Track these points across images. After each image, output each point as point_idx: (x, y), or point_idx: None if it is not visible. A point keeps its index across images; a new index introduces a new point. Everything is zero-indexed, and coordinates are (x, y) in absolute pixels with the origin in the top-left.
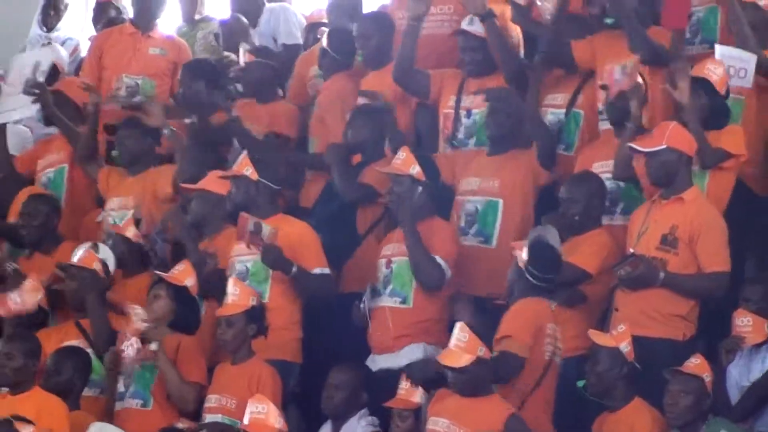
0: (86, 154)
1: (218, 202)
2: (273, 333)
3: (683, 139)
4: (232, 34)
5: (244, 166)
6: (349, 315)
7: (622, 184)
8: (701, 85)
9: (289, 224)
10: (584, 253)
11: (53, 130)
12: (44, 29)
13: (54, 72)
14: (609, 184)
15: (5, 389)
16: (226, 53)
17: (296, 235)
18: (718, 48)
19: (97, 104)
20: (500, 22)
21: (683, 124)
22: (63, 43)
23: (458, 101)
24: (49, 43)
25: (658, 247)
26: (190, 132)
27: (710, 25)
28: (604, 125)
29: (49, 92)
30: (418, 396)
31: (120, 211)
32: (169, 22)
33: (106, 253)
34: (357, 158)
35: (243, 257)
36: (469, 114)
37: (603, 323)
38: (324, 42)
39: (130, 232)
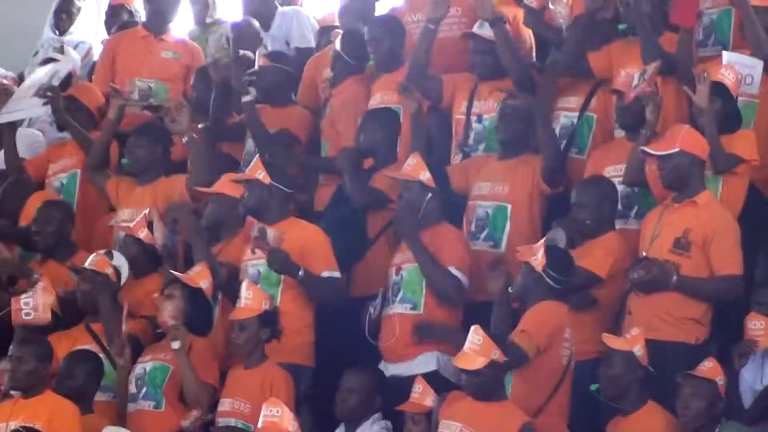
0: (97, 162)
1: (233, 205)
2: (285, 336)
3: (696, 142)
4: (243, 37)
5: (256, 169)
6: (360, 318)
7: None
8: (716, 89)
9: (300, 227)
10: (595, 257)
11: (66, 134)
12: (57, 33)
13: (67, 77)
14: (622, 188)
15: (17, 393)
16: (242, 52)
17: (306, 239)
18: (725, 54)
19: (123, 107)
20: (513, 25)
21: (697, 129)
22: (75, 47)
23: (470, 106)
24: (61, 46)
25: (671, 250)
26: (203, 137)
27: (723, 27)
28: (620, 133)
29: (62, 97)
30: (430, 399)
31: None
32: (181, 25)
33: (119, 260)
34: (369, 162)
35: (255, 261)
36: (480, 119)
37: (616, 327)
38: (337, 45)
39: (142, 234)
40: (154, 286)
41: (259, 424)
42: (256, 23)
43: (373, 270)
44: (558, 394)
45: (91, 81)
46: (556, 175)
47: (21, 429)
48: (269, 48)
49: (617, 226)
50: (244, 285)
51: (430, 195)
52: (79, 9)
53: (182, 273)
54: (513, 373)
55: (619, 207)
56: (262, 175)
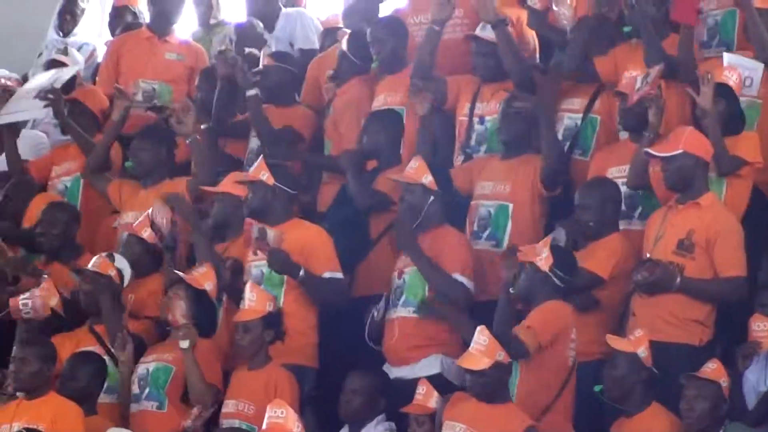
0: (98, 164)
1: (239, 204)
2: (289, 337)
3: (699, 144)
4: (247, 38)
5: (260, 171)
6: (364, 319)
7: None
8: (720, 90)
9: (303, 228)
10: (597, 258)
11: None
12: (60, 34)
13: (71, 79)
14: (625, 188)
15: (21, 394)
16: (247, 50)
17: (308, 239)
18: (726, 55)
19: (128, 108)
20: (516, 27)
21: (700, 131)
22: (79, 49)
23: (472, 108)
24: (65, 47)
25: (674, 251)
26: (206, 137)
27: (728, 28)
28: (624, 135)
29: (63, 101)
30: (434, 401)
31: None
32: (184, 26)
33: (122, 263)
34: (372, 164)
35: (258, 262)
36: (482, 121)
37: (620, 329)
38: (344, 45)
39: (146, 233)
40: (157, 285)
41: (264, 426)
42: (260, 25)
43: (375, 270)
44: (564, 394)
45: (94, 82)
46: (555, 178)
47: (24, 430)
48: (273, 50)
49: (621, 227)
50: (247, 286)
51: (432, 198)
52: (82, 10)
53: (184, 269)
54: (520, 372)
55: (623, 207)
56: (266, 176)
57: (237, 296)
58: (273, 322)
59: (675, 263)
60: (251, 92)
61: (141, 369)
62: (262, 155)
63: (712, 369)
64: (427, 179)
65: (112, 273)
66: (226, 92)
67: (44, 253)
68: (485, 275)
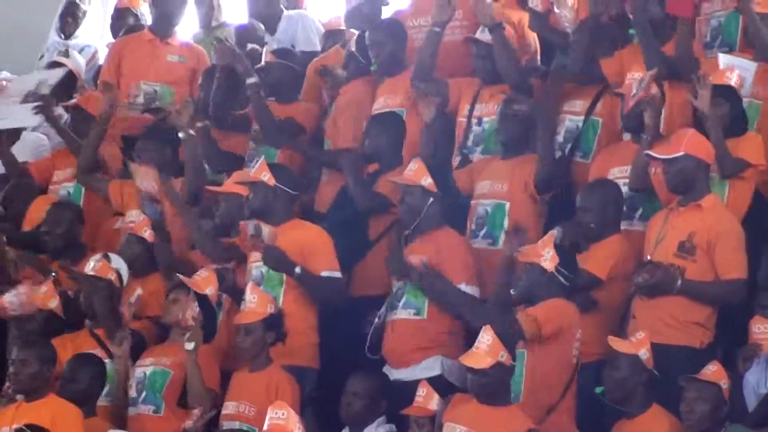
0: (88, 164)
1: (244, 203)
2: (289, 337)
3: (701, 145)
4: (247, 40)
5: (261, 171)
6: (363, 319)
7: None
8: (722, 91)
9: (303, 228)
10: (596, 259)
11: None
12: (62, 37)
13: (71, 81)
14: (626, 189)
15: (21, 396)
16: (250, 46)
17: (307, 238)
18: (721, 56)
19: (112, 106)
20: (518, 29)
21: (703, 133)
22: (81, 51)
23: (471, 110)
24: (66, 50)
25: (675, 254)
26: (202, 136)
27: (731, 29)
28: (628, 136)
29: (53, 106)
30: (435, 403)
31: None
32: (186, 28)
33: (118, 263)
34: (373, 167)
35: (259, 263)
36: (479, 122)
37: (620, 331)
38: (352, 45)
39: (146, 233)
40: (157, 285)
41: (265, 427)
42: (261, 26)
43: (373, 271)
44: (568, 394)
45: (96, 85)
46: (549, 182)
47: (24, 428)
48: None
49: (622, 228)
50: (248, 288)
51: (431, 199)
52: (84, 13)
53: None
54: (525, 372)
55: (624, 208)
56: (267, 176)
57: (238, 297)
58: (274, 323)
59: (676, 265)
60: (251, 79)
61: (138, 373)
62: (263, 157)
63: (713, 371)
64: (426, 181)
65: (112, 276)
66: (224, 84)
67: (48, 252)
68: (482, 274)
